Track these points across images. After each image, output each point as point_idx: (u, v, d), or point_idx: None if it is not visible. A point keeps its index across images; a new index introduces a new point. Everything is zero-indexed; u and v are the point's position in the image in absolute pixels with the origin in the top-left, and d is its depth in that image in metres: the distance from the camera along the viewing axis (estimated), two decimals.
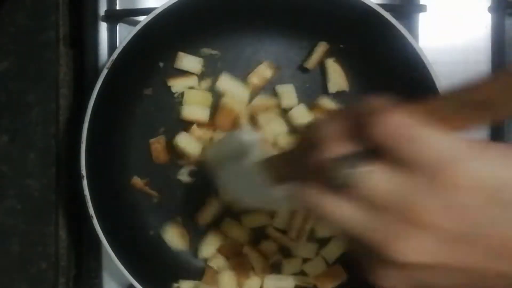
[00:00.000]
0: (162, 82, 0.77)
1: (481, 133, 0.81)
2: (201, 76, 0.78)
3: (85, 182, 0.69)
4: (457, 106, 0.39)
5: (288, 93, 0.78)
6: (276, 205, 0.67)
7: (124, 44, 0.69)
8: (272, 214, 0.77)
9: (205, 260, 0.77)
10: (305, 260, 0.78)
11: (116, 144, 0.76)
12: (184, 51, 0.77)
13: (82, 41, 0.78)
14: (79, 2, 0.79)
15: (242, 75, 0.78)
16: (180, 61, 0.76)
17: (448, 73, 0.80)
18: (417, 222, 0.36)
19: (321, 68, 0.78)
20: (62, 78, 0.79)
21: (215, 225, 0.77)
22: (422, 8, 0.78)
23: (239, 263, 0.76)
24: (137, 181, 0.77)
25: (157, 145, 0.78)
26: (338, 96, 0.78)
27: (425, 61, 0.69)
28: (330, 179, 0.40)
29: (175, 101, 0.78)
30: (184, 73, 0.77)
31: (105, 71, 0.69)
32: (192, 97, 0.77)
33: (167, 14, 0.69)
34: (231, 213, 0.77)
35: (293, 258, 0.77)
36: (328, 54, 0.78)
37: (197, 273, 0.77)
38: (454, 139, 0.38)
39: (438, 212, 0.36)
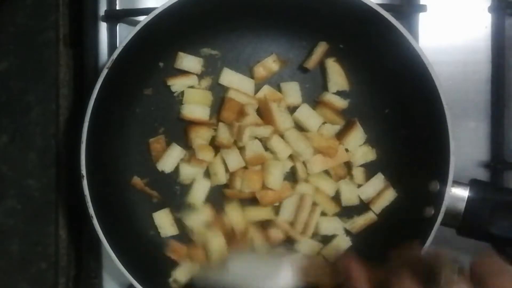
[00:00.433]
0: (162, 82, 0.77)
1: (481, 132, 0.81)
2: (201, 75, 0.78)
3: (85, 182, 0.69)
4: None
5: (292, 91, 0.78)
6: None
7: (124, 44, 0.69)
8: (276, 210, 0.77)
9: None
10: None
11: (116, 144, 0.76)
12: (184, 51, 0.77)
13: (82, 41, 0.78)
14: (79, 2, 0.79)
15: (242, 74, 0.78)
16: (180, 61, 0.76)
17: (448, 73, 0.80)
18: None
19: (321, 68, 0.78)
20: (62, 78, 0.79)
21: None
22: (422, 8, 0.78)
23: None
24: (137, 181, 0.77)
25: (157, 145, 0.78)
26: (338, 95, 0.78)
27: (425, 61, 0.69)
28: None
29: (175, 101, 0.78)
30: (184, 72, 0.77)
31: (105, 71, 0.69)
32: (192, 96, 0.77)
33: (167, 14, 0.69)
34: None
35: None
36: (328, 54, 0.78)
37: None
38: None
39: None
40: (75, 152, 0.69)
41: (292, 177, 0.77)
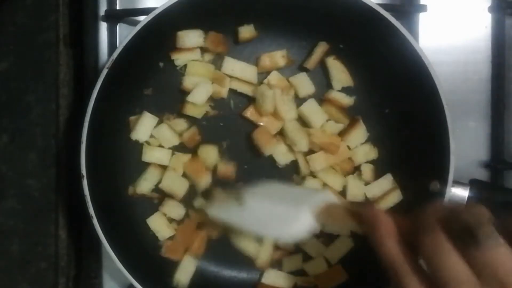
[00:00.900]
0: (162, 82, 0.77)
1: (481, 132, 0.81)
2: (204, 50, 0.77)
3: (85, 182, 0.69)
4: None
5: (303, 82, 0.77)
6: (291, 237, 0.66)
7: (124, 44, 0.69)
8: None
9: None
10: (306, 259, 0.78)
11: (116, 144, 0.76)
12: None
13: (82, 41, 0.78)
14: (79, 2, 0.79)
15: None
16: (182, 40, 0.75)
17: (448, 73, 0.80)
18: None
19: (322, 67, 0.78)
20: (62, 78, 0.79)
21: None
22: (422, 8, 0.78)
23: None
24: (132, 191, 0.77)
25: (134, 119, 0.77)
26: (344, 92, 0.78)
27: (425, 61, 0.69)
28: (467, 234, 0.44)
29: (175, 101, 0.78)
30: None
31: (105, 71, 0.69)
32: (195, 68, 0.77)
33: (167, 14, 0.69)
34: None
35: (294, 255, 0.78)
36: (328, 54, 0.78)
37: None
38: None
39: None
40: (75, 152, 0.69)
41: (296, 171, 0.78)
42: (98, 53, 0.79)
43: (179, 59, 0.76)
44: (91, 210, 0.69)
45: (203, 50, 0.77)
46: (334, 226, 0.66)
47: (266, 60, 0.77)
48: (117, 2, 0.81)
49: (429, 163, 0.72)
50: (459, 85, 0.81)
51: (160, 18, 0.69)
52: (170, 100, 0.78)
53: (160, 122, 0.77)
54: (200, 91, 0.75)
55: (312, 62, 0.77)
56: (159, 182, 0.76)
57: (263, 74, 0.78)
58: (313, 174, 0.77)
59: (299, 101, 0.78)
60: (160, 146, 0.77)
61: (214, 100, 0.78)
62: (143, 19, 0.69)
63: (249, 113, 0.76)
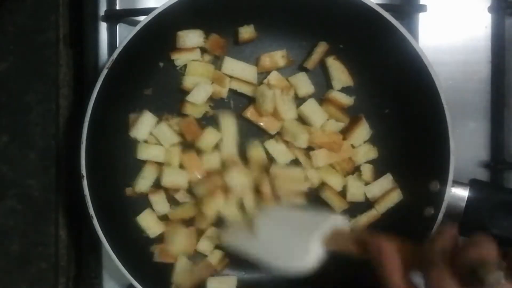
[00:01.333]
0: (162, 82, 0.77)
1: (481, 132, 0.81)
2: (203, 50, 0.77)
3: (85, 182, 0.69)
4: None
5: (302, 82, 0.78)
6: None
7: (124, 44, 0.69)
8: None
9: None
10: None
11: (116, 144, 0.76)
12: None
13: (82, 41, 0.78)
14: (79, 2, 0.79)
15: None
16: (182, 40, 0.75)
17: (448, 73, 0.80)
18: None
19: (322, 67, 0.78)
20: (62, 78, 0.79)
21: None
22: (422, 8, 0.78)
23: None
24: (130, 191, 0.77)
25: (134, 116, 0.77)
26: (343, 93, 0.78)
27: (425, 61, 0.69)
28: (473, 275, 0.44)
29: (175, 101, 0.78)
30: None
31: (105, 71, 0.69)
32: (195, 68, 0.77)
33: (167, 14, 0.69)
34: None
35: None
36: (328, 54, 0.78)
37: None
38: None
39: None
40: (75, 152, 0.69)
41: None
42: (98, 53, 0.79)
43: (179, 59, 0.76)
44: (91, 210, 0.69)
45: (203, 50, 0.77)
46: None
47: (266, 60, 0.77)
48: (117, 2, 0.80)
49: (429, 163, 0.72)
50: (459, 85, 0.81)
51: (160, 18, 0.69)
52: (170, 100, 0.78)
53: (159, 121, 0.77)
54: (199, 91, 0.75)
55: (312, 62, 0.77)
56: (157, 179, 0.76)
57: (263, 74, 0.78)
58: (312, 167, 0.77)
59: (298, 101, 0.78)
60: (159, 144, 0.77)
61: (214, 100, 0.78)
62: (143, 19, 0.69)
63: (249, 113, 0.76)
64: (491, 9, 0.81)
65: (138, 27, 0.69)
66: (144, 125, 0.76)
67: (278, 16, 0.76)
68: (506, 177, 0.80)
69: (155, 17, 0.69)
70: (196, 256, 0.77)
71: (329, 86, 0.78)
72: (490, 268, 0.44)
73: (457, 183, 0.69)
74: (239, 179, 0.75)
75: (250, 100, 0.78)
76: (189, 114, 0.76)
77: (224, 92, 0.77)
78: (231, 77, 0.77)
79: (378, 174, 0.77)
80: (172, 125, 0.77)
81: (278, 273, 0.64)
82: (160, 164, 0.76)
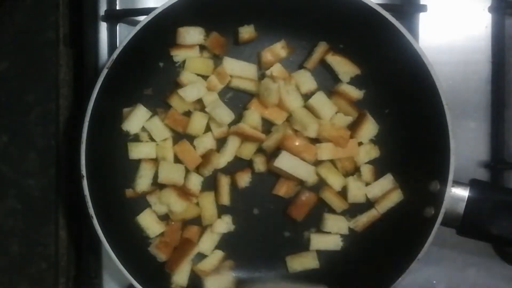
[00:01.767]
0: (162, 82, 0.77)
1: (481, 132, 0.81)
2: (203, 48, 0.77)
3: (85, 182, 0.69)
4: None
5: (305, 78, 0.78)
6: None
7: (124, 44, 0.69)
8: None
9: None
10: None
11: (116, 144, 0.76)
12: None
13: (82, 41, 0.78)
14: (79, 2, 0.79)
15: None
16: (183, 36, 0.75)
17: (448, 73, 0.80)
18: None
19: (323, 66, 0.78)
20: (62, 78, 0.79)
21: None
22: (422, 8, 0.78)
23: None
24: (130, 193, 0.77)
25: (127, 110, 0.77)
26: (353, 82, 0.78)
27: (425, 61, 0.69)
28: None
29: None
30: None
31: (105, 71, 0.69)
32: (194, 63, 0.77)
33: (167, 14, 0.69)
34: None
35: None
36: (328, 53, 0.77)
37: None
38: None
39: None
40: (75, 152, 0.69)
41: None
42: (98, 53, 0.79)
43: (178, 55, 0.76)
44: (91, 210, 0.69)
45: (202, 48, 0.77)
46: None
47: (268, 55, 0.77)
48: (117, 2, 0.80)
49: (429, 163, 0.72)
50: (459, 85, 0.81)
51: (160, 18, 0.69)
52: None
53: (152, 116, 0.77)
54: (193, 89, 0.75)
55: (312, 62, 0.77)
56: (155, 176, 0.76)
57: (262, 71, 0.78)
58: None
59: (302, 97, 0.78)
60: (151, 139, 0.77)
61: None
62: (143, 19, 0.69)
63: (254, 106, 0.76)
64: (491, 9, 0.81)
65: (138, 27, 0.69)
66: (137, 118, 0.75)
67: (278, 16, 0.76)
68: (506, 177, 0.80)
69: (155, 17, 0.69)
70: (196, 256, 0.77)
71: (330, 86, 0.78)
72: None
73: (457, 183, 0.69)
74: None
75: (250, 100, 0.78)
76: (173, 106, 0.76)
77: (218, 88, 0.77)
78: (231, 76, 0.77)
79: (378, 174, 0.77)
80: (164, 119, 0.77)
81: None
82: (155, 161, 0.76)
